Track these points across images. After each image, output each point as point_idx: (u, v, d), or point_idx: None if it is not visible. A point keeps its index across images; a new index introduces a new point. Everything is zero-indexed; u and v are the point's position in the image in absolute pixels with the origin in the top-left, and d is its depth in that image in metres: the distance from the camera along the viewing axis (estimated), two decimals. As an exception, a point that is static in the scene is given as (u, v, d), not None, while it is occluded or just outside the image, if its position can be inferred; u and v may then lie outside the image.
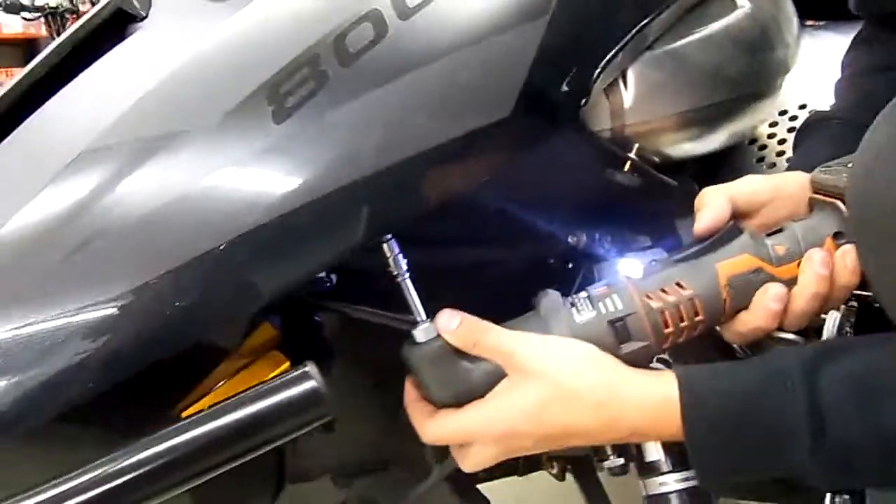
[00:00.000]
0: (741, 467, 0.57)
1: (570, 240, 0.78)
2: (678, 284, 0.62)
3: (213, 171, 0.52)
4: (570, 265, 0.80)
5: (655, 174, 0.71)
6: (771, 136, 0.96)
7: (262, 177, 0.53)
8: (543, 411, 0.58)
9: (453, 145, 0.56)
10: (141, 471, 0.45)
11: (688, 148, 0.77)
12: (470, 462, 0.62)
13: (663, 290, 0.62)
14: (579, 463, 1.01)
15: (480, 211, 0.75)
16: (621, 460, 0.71)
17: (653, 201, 0.76)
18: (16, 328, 0.49)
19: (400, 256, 0.61)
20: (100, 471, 0.44)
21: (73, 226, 0.52)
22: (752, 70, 0.74)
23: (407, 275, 0.62)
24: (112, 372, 0.50)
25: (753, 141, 0.96)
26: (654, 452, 0.71)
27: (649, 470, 0.71)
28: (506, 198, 0.73)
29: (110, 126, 0.54)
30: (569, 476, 1.04)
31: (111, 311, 0.49)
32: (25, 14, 2.62)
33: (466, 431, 0.60)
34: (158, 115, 0.54)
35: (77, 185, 0.53)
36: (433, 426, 0.61)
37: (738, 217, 0.65)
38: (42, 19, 2.83)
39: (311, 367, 0.49)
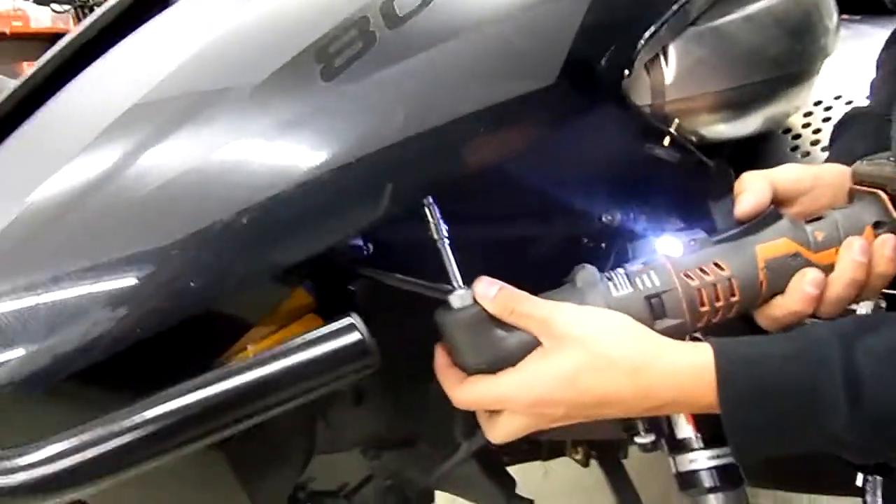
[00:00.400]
0: (776, 438, 0.56)
1: (604, 218, 0.78)
2: (716, 264, 0.62)
3: (260, 128, 0.53)
4: (604, 245, 0.80)
5: (694, 151, 0.71)
6: (805, 125, 0.95)
7: (308, 133, 0.53)
8: (578, 377, 0.57)
9: (498, 110, 0.57)
10: (180, 416, 0.45)
11: (724, 130, 0.77)
12: (498, 432, 0.62)
13: (701, 269, 0.62)
14: (604, 449, 1.01)
15: (515, 186, 0.75)
16: (652, 436, 0.71)
17: (688, 181, 0.76)
18: (43, 285, 0.50)
19: (441, 221, 0.62)
20: (145, 413, 0.44)
21: (112, 183, 0.52)
22: (793, 51, 0.74)
23: (447, 240, 0.62)
24: (138, 327, 0.50)
25: (787, 130, 0.96)
26: (685, 429, 0.72)
27: (680, 447, 0.72)
28: (542, 172, 0.73)
29: (158, 83, 0.55)
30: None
31: (147, 266, 0.50)
32: (55, 6, 2.64)
33: (498, 397, 0.60)
34: (207, 73, 0.55)
35: (120, 142, 0.53)
36: (464, 390, 0.61)
37: (777, 204, 0.65)
38: (71, 14, 2.85)
39: (355, 318, 0.49)
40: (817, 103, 0.97)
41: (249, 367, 0.47)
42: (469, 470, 0.83)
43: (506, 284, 0.61)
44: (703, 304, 0.61)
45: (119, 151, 0.53)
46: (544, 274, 0.65)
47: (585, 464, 0.99)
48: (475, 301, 0.61)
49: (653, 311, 0.61)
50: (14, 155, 0.58)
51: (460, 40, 0.57)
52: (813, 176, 0.68)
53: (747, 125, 0.79)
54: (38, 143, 0.58)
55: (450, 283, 0.62)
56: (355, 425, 0.77)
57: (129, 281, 0.50)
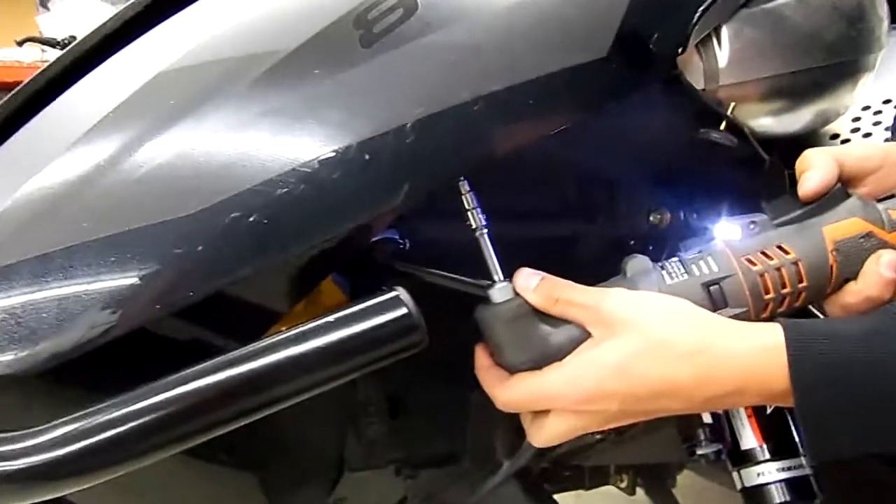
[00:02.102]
0: (855, 424, 0.49)
1: (651, 218, 0.74)
2: (779, 248, 0.57)
3: (296, 94, 0.50)
4: (652, 248, 0.76)
5: (750, 139, 0.67)
6: (854, 130, 0.92)
7: (345, 100, 0.50)
8: (632, 364, 0.52)
9: (547, 82, 0.53)
10: (209, 394, 0.40)
11: (773, 124, 0.73)
12: (544, 434, 0.56)
13: (763, 254, 0.57)
14: (651, 475, 0.95)
15: (558, 177, 0.72)
16: (716, 446, 0.65)
17: (741, 176, 0.72)
18: (58, 261, 0.46)
19: (479, 210, 0.58)
20: (169, 391, 0.40)
21: (134, 153, 0.48)
22: (847, 38, 0.70)
23: (486, 230, 0.58)
24: (157, 304, 0.46)
25: (836, 136, 0.92)
26: (750, 439, 0.66)
27: (745, 459, 0.66)
28: (588, 161, 0.69)
29: (190, 51, 0.52)
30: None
31: (165, 240, 0.46)
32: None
33: (544, 394, 0.54)
34: (243, 39, 0.52)
35: (146, 108, 0.50)
36: (508, 389, 0.56)
37: (843, 184, 0.61)
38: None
39: (401, 291, 0.45)
40: (866, 108, 0.94)
41: (282, 344, 0.42)
42: (511, 492, 0.77)
43: (548, 275, 0.57)
44: (767, 292, 0.56)
45: (144, 119, 0.49)
46: (589, 280, 0.61)
47: (631, 492, 0.92)
48: (517, 294, 0.57)
49: (712, 299, 0.56)
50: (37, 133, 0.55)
51: (507, 8, 0.54)
52: (883, 153, 0.63)
53: (797, 119, 0.75)
54: (64, 120, 0.55)
55: (490, 278, 0.58)
56: (390, 440, 0.72)
57: (141, 259, 0.45)
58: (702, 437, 0.64)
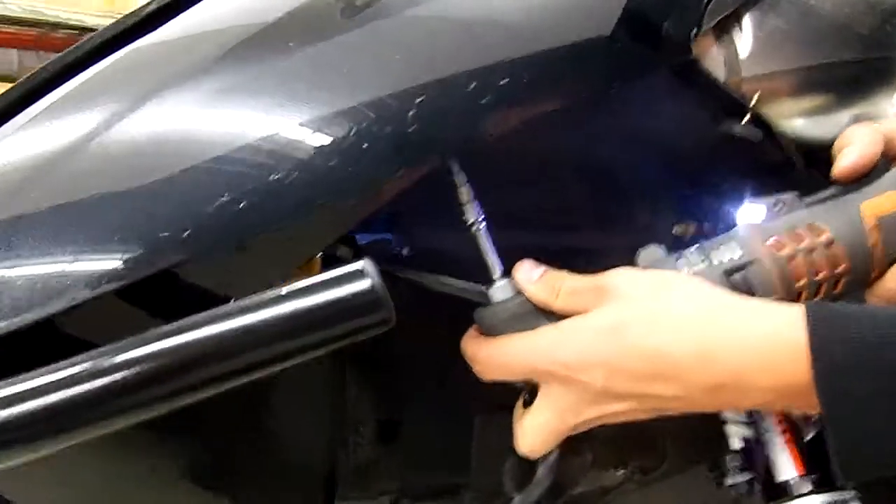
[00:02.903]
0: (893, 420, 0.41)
1: (675, 230, 0.68)
2: (811, 227, 0.51)
3: (271, 65, 0.46)
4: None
5: (779, 138, 0.61)
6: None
7: (324, 73, 0.46)
8: (626, 329, 0.47)
9: (544, 58, 0.49)
10: (150, 365, 0.35)
11: (805, 127, 0.67)
12: (531, 419, 0.50)
13: (793, 235, 0.51)
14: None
15: (573, 184, 0.67)
16: (747, 475, 0.57)
17: (773, 185, 0.66)
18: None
19: (476, 203, 0.54)
20: (100, 360, 0.35)
21: (104, 126, 0.45)
22: (884, 32, 0.65)
23: (483, 224, 0.54)
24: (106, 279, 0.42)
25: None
26: (788, 468, 0.58)
27: (782, 492, 0.58)
28: (600, 164, 0.64)
29: (167, 26, 0.50)
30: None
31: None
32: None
33: (531, 352, 0.49)
34: (220, 13, 0.50)
35: (117, 83, 0.48)
36: (490, 349, 0.51)
37: (891, 160, 0.54)
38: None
39: (366, 264, 0.39)
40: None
41: (222, 316, 0.37)
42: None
43: (550, 268, 0.52)
44: (798, 278, 0.50)
45: (109, 92, 0.47)
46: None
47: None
48: (518, 292, 0.52)
49: (735, 289, 0.50)
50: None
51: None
52: None
53: (829, 122, 0.69)
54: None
55: (488, 277, 0.53)
56: (383, 467, 0.66)
57: (87, 233, 0.42)
58: (730, 464, 0.57)
